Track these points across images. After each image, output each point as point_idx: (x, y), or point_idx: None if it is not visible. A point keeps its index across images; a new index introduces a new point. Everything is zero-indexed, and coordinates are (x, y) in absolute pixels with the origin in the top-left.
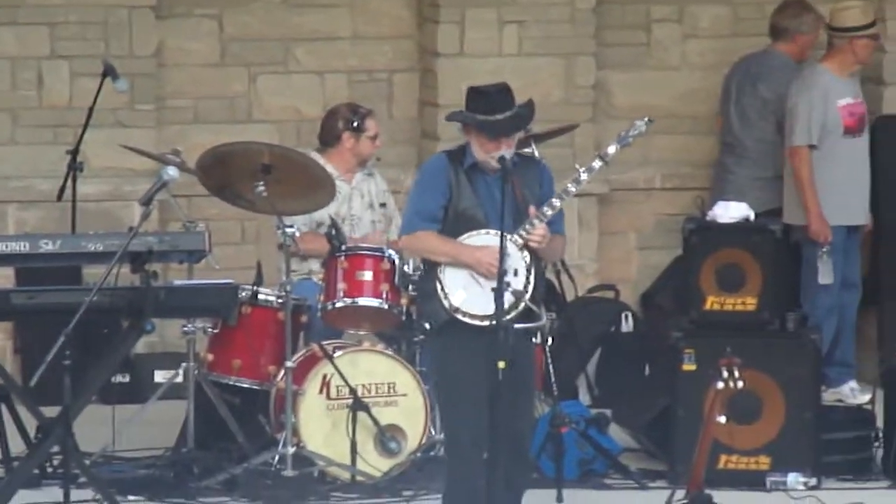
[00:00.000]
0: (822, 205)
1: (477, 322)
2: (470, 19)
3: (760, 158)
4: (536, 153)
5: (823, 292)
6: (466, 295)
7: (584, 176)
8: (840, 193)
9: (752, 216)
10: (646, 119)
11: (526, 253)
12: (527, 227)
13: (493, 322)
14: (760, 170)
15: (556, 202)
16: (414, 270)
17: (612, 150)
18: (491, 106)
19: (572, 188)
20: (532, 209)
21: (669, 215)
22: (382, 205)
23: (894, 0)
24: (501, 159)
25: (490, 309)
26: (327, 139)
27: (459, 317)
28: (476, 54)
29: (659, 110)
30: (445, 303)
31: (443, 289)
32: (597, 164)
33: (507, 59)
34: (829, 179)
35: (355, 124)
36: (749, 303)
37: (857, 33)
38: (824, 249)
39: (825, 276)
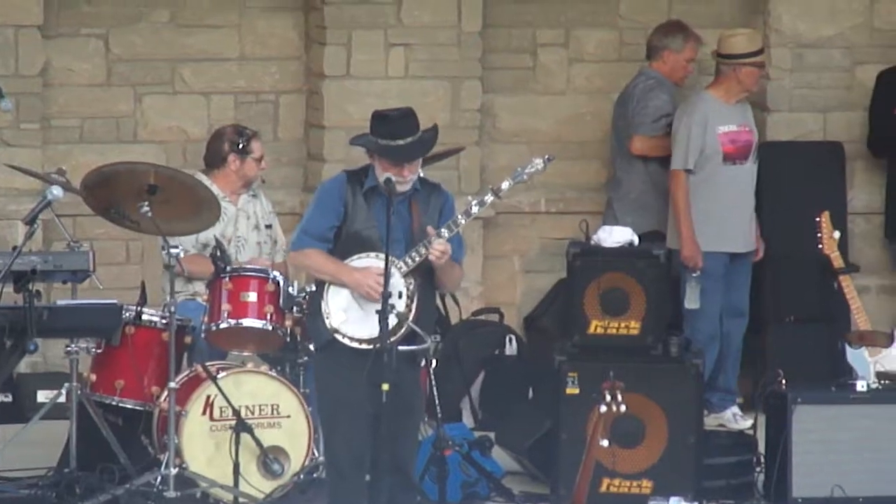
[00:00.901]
0: (699, 230)
1: (355, 344)
2: (357, 41)
3: (631, 180)
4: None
5: (702, 319)
6: (346, 316)
7: (475, 209)
8: (719, 220)
9: (636, 241)
10: (545, 157)
11: (411, 279)
12: (420, 249)
13: (374, 344)
14: (632, 192)
15: (445, 232)
16: (299, 292)
17: (505, 185)
18: (395, 131)
19: (462, 220)
20: (430, 229)
21: (554, 239)
22: (268, 226)
23: (779, 29)
24: (386, 181)
25: (370, 331)
26: (213, 160)
27: (339, 337)
28: (362, 76)
29: (544, 134)
30: (326, 322)
31: (325, 309)
32: (489, 198)
33: (393, 82)
34: (707, 206)
35: (241, 146)
36: (632, 327)
37: (743, 60)
38: (694, 275)
39: (691, 301)
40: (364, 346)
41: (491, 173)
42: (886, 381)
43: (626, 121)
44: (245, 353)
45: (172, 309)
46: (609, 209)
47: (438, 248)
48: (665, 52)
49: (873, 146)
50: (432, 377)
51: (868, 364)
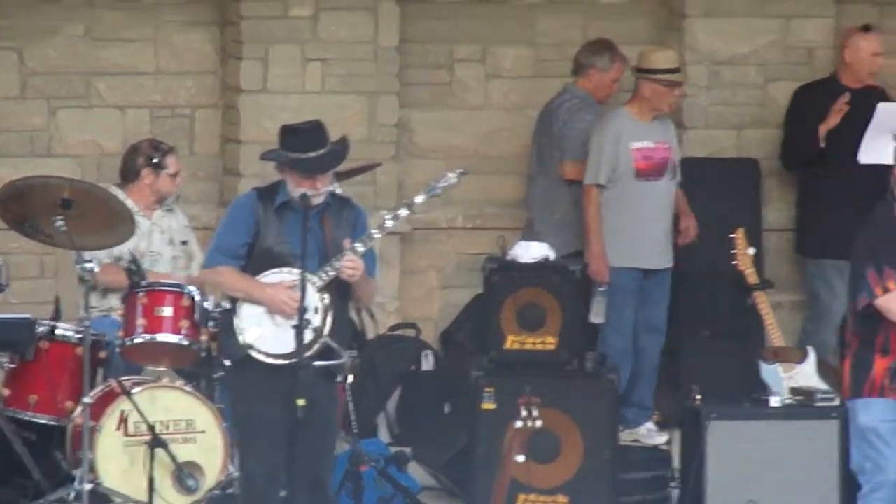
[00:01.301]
0: (612, 245)
1: (269, 360)
2: (273, 56)
3: (553, 197)
4: (339, 190)
5: (614, 334)
6: (261, 332)
7: (389, 223)
8: (631, 236)
9: (552, 256)
10: (458, 171)
11: (325, 294)
12: (334, 264)
13: (289, 360)
14: (556, 212)
15: (360, 246)
16: (214, 307)
17: (419, 199)
18: (305, 144)
19: (377, 234)
20: (346, 241)
21: (471, 255)
22: (184, 242)
23: (695, 47)
24: (302, 197)
25: (284, 347)
26: (127, 175)
27: (253, 354)
28: (279, 91)
29: (461, 150)
30: (240, 339)
31: (238, 325)
32: (403, 211)
33: (309, 97)
34: (620, 221)
35: (156, 161)
36: (549, 342)
37: (654, 76)
38: (601, 289)
39: (597, 315)
40: (279, 362)
41: (408, 188)
42: (800, 397)
43: (549, 138)
44: (160, 368)
45: (87, 324)
46: (530, 229)
47: (348, 265)
48: (591, 70)
49: (788, 161)
50: (348, 392)
51: (782, 380)
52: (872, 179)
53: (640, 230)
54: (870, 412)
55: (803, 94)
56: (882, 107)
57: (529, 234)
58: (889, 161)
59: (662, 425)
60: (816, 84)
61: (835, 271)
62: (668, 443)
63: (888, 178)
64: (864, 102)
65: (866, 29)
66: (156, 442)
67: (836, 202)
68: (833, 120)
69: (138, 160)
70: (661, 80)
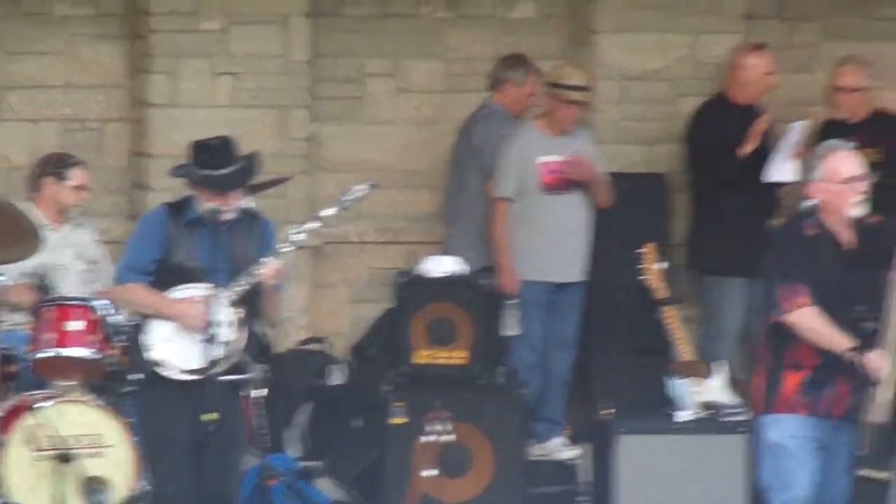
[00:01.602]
0: (521, 259)
1: (179, 375)
2: (183, 70)
3: (470, 212)
4: (251, 204)
5: (522, 347)
6: (170, 348)
7: (299, 237)
8: (540, 249)
9: (462, 270)
10: (368, 184)
11: (238, 309)
12: (245, 278)
13: (199, 375)
14: (473, 227)
15: (290, 243)
16: (125, 321)
17: (330, 212)
18: (215, 160)
19: (287, 248)
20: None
21: (382, 269)
22: (94, 260)
23: (605, 62)
24: (212, 212)
25: (194, 362)
26: (32, 185)
27: (161, 369)
28: (188, 105)
29: (372, 164)
30: (149, 354)
31: (148, 341)
32: (313, 225)
33: (220, 111)
34: (528, 235)
35: (59, 172)
36: (459, 356)
37: (557, 91)
38: (511, 302)
39: (509, 328)
40: (188, 378)
41: (318, 202)
42: (708, 412)
43: (467, 153)
44: (69, 383)
45: None
46: (448, 243)
47: (272, 266)
48: (506, 85)
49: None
50: (257, 407)
51: (690, 395)
52: (763, 196)
53: (548, 244)
54: (780, 428)
55: (705, 113)
56: (794, 126)
57: (448, 249)
58: (791, 179)
59: (573, 439)
60: (713, 102)
61: (732, 288)
62: (579, 457)
63: (780, 194)
64: (750, 121)
65: (759, 47)
66: (64, 456)
67: (731, 219)
68: (753, 143)
69: (41, 170)
70: (562, 97)
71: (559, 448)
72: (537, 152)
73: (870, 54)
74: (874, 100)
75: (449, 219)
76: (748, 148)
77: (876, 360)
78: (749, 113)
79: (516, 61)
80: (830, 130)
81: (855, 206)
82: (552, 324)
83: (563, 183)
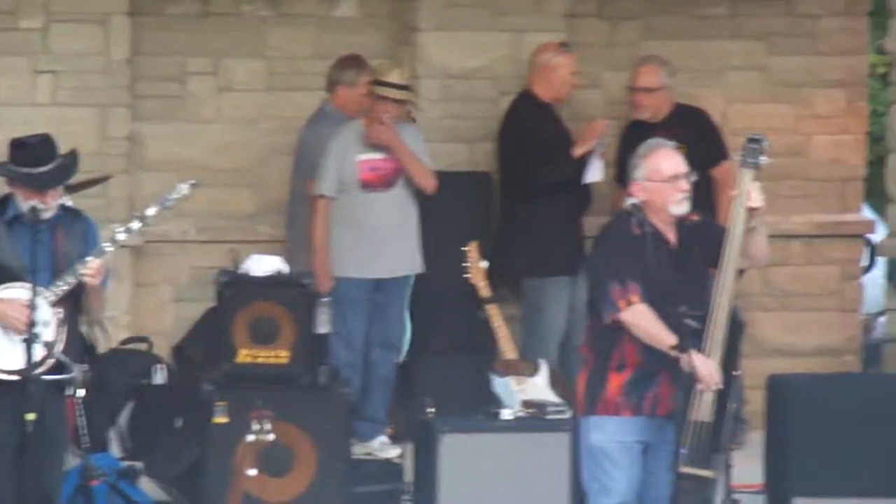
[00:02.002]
0: (341, 256)
1: (2, 376)
2: (2, 68)
3: (302, 212)
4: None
5: (341, 345)
6: None
7: (121, 236)
8: (359, 246)
9: (285, 269)
10: (190, 182)
11: (60, 308)
12: (67, 277)
13: (20, 375)
14: (303, 225)
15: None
16: None
17: (151, 211)
18: (34, 158)
19: (109, 247)
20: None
21: (204, 268)
22: None
23: (427, 61)
24: (32, 210)
25: (15, 362)
26: None
27: None
28: (8, 103)
29: (193, 163)
30: None
31: None
32: (135, 224)
33: (40, 109)
34: (348, 232)
35: None
36: (281, 356)
37: (376, 88)
38: (323, 300)
39: (321, 325)
40: (8, 377)
41: (139, 201)
42: (532, 410)
43: (300, 155)
44: None
45: None
46: (286, 244)
47: (95, 265)
48: (339, 87)
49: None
50: (79, 407)
51: (514, 393)
52: (576, 195)
53: (368, 241)
54: (602, 431)
55: (517, 112)
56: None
57: (289, 249)
58: (600, 179)
59: (396, 438)
60: (523, 101)
61: (552, 287)
62: (402, 456)
63: (591, 193)
64: (557, 119)
65: (564, 46)
66: None
67: (547, 219)
68: (587, 145)
69: None
70: (381, 94)
71: (382, 447)
72: (358, 150)
73: (688, 52)
74: (676, 96)
75: (289, 220)
76: (583, 149)
77: (704, 366)
78: (555, 111)
79: (348, 63)
80: (634, 131)
81: (678, 204)
82: (375, 322)
83: (382, 180)
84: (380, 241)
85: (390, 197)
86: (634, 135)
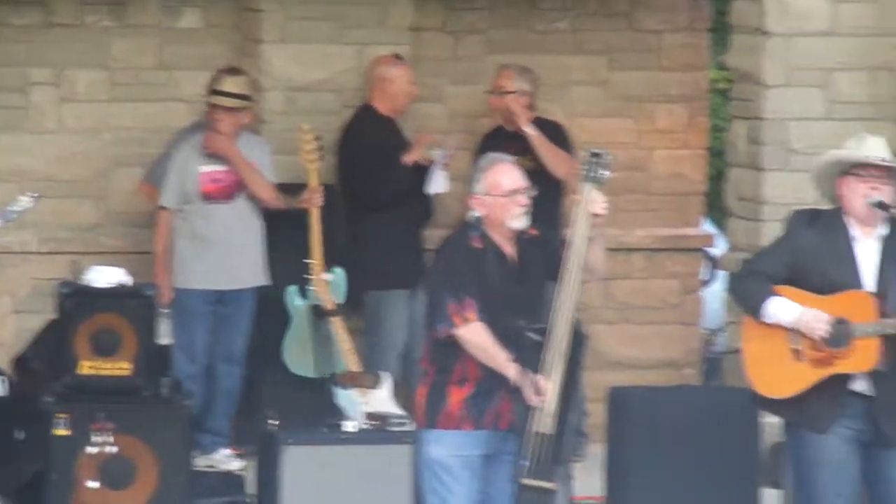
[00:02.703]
0: (183, 267)
1: None
2: None
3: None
4: None
5: (183, 357)
6: None
7: None
8: (200, 258)
9: (128, 281)
10: (32, 195)
11: None
12: None
13: None
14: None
15: None
16: None
17: None
18: None
19: None
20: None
21: (46, 279)
22: None
23: (271, 73)
24: None
25: None
26: None
27: None
28: None
29: (36, 174)
30: None
31: None
32: None
33: None
34: (191, 243)
35: None
36: (124, 368)
37: (212, 97)
38: (163, 311)
39: (163, 337)
40: None
41: None
42: (375, 422)
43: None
44: None
45: None
46: None
47: None
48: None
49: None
50: None
51: (357, 405)
52: (417, 208)
53: (210, 253)
54: (443, 445)
55: (356, 125)
56: (447, 138)
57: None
58: (443, 190)
59: (239, 450)
60: (362, 114)
61: (393, 300)
62: (244, 468)
63: (432, 206)
64: (397, 132)
65: (399, 58)
66: None
67: (388, 232)
68: (418, 154)
69: None
70: (216, 103)
71: (225, 459)
72: (200, 161)
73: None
74: (534, 109)
75: None
76: (413, 157)
77: (541, 386)
78: (395, 124)
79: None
80: (492, 138)
81: (517, 218)
82: (219, 335)
83: (223, 191)
84: (222, 252)
85: (232, 208)
86: (493, 143)
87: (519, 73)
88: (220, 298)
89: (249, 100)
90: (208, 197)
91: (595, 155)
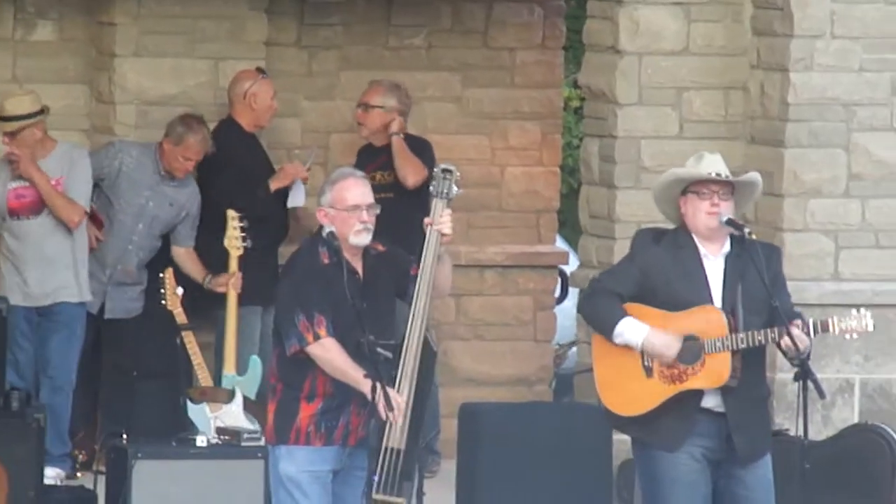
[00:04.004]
0: (6, 282)
1: None
2: None
3: None
4: None
5: (11, 371)
6: None
7: None
8: (15, 273)
9: None
10: None
11: None
12: None
13: None
14: None
15: None
16: None
17: None
18: None
19: None
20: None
21: None
22: None
23: (124, 86)
24: None
25: None
26: None
27: None
28: None
29: None
30: None
31: None
32: None
33: None
34: (5, 259)
35: None
36: None
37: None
38: None
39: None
40: None
41: None
42: (226, 437)
43: None
44: None
45: None
46: None
47: None
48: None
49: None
50: None
51: (209, 419)
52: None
53: (23, 268)
54: (293, 461)
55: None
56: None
57: None
58: (302, 204)
59: (88, 465)
60: (224, 129)
61: (248, 316)
62: (94, 482)
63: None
64: (258, 146)
65: (261, 73)
66: None
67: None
68: (283, 182)
69: None
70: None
71: (72, 473)
72: (9, 178)
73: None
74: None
75: None
76: (278, 184)
77: (393, 397)
78: (257, 140)
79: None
80: (363, 154)
81: (357, 234)
82: (41, 350)
83: (28, 207)
84: (33, 268)
85: (40, 224)
86: (363, 158)
87: (387, 90)
88: (41, 313)
89: (34, 116)
90: (15, 213)
91: (445, 171)
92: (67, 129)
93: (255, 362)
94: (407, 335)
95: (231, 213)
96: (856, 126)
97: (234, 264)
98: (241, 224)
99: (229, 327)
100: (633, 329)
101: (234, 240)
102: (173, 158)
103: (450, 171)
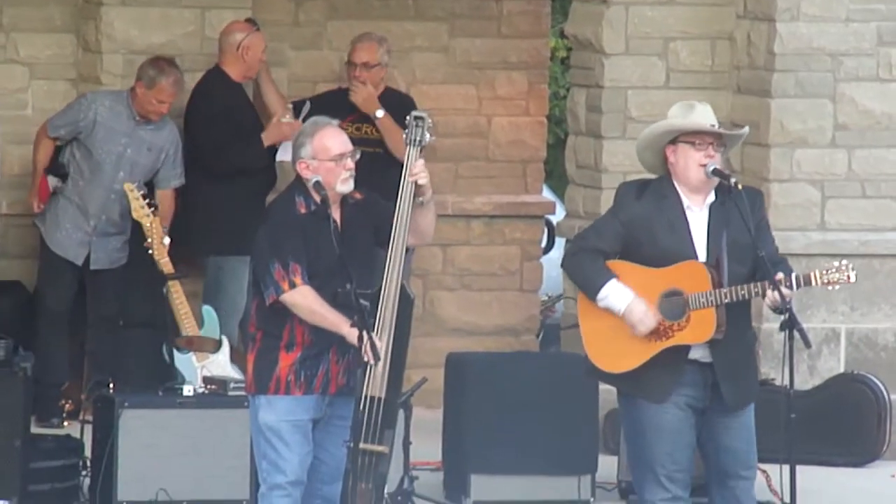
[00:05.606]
0: None
1: None
2: None
3: None
4: None
5: None
6: None
7: None
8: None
9: None
10: None
11: None
12: None
13: None
14: None
15: None
16: None
17: None
18: None
19: None
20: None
21: None
22: None
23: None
24: None
25: None
26: None
27: None
28: None
29: None
30: None
31: None
32: None
33: None
34: None
35: None
36: None
37: None
38: None
39: None
40: None
41: None
42: (212, 386)
43: None
44: None
45: None
46: None
47: None
48: (138, 83)
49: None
50: None
51: (196, 369)
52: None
53: None
54: (273, 410)
55: (206, 90)
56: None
57: None
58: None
59: (75, 414)
60: (212, 79)
61: (234, 265)
62: (81, 431)
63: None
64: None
65: (253, 24)
66: None
67: (232, 198)
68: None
69: None
70: None
71: (60, 422)
72: None
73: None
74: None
75: None
76: (270, 141)
77: (376, 345)
78: (244, 90)
79: (154, 63)
80: (334, 101)
81: (344, 182)
82: None
83: None
84: None
85: None
86: (336, 105)
87: (379, 44)
88: None
89: None
90: None
91: (417, 118)
92: (54, 79)
93: (208, 311)
94: (384, 284)
95: (127, 185)
96: (842, 76)
97: (153, 234)
98: (141, 192)
99: (175, 297)
100: (616, 295)
101: (140, 210)
102: (147, 102)
103: (422, 119)
